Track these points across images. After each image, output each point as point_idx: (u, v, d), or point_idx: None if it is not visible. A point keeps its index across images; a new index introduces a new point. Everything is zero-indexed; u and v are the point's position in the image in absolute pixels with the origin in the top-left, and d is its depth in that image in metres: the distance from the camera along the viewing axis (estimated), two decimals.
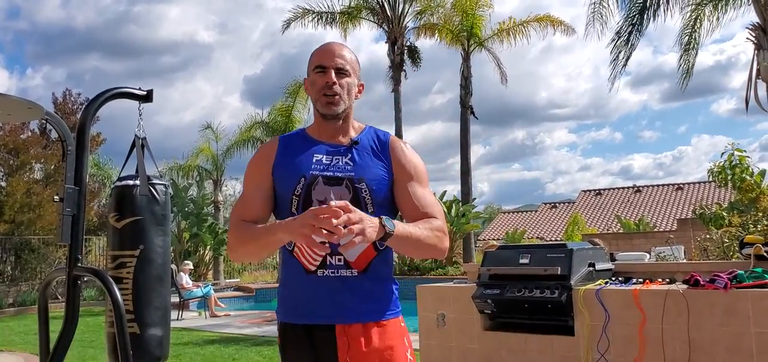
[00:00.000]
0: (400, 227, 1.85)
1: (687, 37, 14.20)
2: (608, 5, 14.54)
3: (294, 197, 1.95)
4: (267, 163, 2.05)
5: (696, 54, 14.28)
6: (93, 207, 19.21)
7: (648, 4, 13.93)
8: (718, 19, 13.91)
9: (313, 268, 1.94)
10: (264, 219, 2.00)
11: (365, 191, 1.94)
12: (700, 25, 14.07)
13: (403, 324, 2.06)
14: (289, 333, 1.99)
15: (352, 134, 2.06)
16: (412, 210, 1.99)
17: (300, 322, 1.96)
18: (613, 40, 14.30)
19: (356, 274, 1.94)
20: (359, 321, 1.93)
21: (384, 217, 1.81)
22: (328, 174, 1.96)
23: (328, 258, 1.93)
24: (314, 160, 1.99)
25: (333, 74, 1.97)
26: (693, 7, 13.92)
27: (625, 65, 14.38)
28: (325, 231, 1.68)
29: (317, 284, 1.93)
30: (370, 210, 1.91)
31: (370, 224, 1.75)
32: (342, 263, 1.93)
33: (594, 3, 14.67)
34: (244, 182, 2.10)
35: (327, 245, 1.75)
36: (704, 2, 13.79)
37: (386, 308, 2.00)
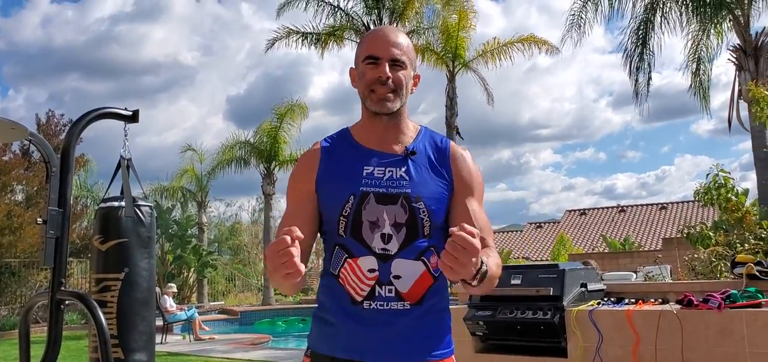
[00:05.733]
0: (487, 264, 1.50)
1: (695, 64, 14.88)
2: (585, 18, 15.20)
3: (341, 218, 1.66)
4: (310, 176, 1.73)
5: (709, 78, 15.17)
6: (75, 229, 18.94)
7: (647, 28, 14.40)
8: (718, 44, 14.80)
9: (359, 299, 1.66)
10: (308, 243, 1.68)
11: (423, 211, 1.66)
12: (707, 51, 14.87)
13: None
14: None
15: (407, 139, 1.75)
16: None
17: (341, 356, 1.67)
18: (626, 63, 14.93)
19: (409, 307, 1.66)
20: (410, 361, 1.67)
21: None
22: (381, 191, 1.67)
23: (377, 288, 1.65)
24: (365, 173, 1.69)
25: (387, 67, 1.68)
26: (694, 34, 14.65)
27: (647, 85, 14.95)
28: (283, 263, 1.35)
29: (364, 317, 1.65)
30: (425, 233, 1.66)
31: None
32: (393, 294, 1.65)
33: (572, 15, 15.36)
34: (287, 199, 1.80)
35: (376, 273, 1.56)
36: (701, 30, 14.52)
37: (438, 345, 1.71)
